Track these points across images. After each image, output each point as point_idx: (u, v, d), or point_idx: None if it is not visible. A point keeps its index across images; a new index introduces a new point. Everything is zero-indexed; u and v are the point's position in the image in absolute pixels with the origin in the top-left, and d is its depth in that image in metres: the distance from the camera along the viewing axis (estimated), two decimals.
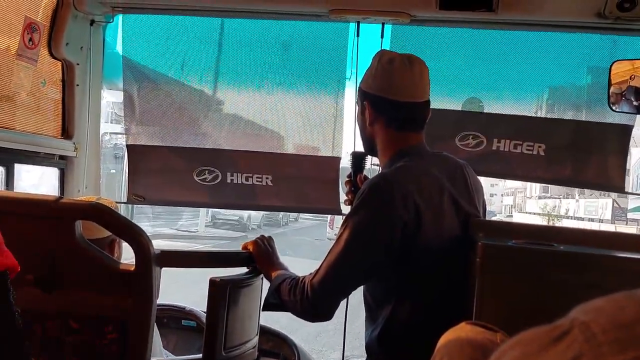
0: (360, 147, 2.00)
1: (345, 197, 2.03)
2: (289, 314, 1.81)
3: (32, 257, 1.55)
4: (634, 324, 0.45)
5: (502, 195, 67.92)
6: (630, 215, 30.49)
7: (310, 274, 1.74)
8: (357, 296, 1.87)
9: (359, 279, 1.76)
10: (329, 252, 1.73)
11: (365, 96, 1.84)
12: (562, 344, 0.47)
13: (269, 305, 1.85)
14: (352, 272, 1.72)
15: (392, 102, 1.78)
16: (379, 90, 1.80)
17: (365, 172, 2.03)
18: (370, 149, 1.91)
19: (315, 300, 1.70)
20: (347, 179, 2.02)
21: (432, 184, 1.74)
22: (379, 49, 2.52)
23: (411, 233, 1.66)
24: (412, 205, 1.66)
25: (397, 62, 1.78)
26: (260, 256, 1.92)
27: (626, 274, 1.48)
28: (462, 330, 1.00)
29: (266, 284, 1.91)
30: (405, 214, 1.65)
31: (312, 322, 1.83)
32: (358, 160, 2.02)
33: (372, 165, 2.15)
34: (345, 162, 2.81)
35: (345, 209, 2.45)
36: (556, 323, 0.50)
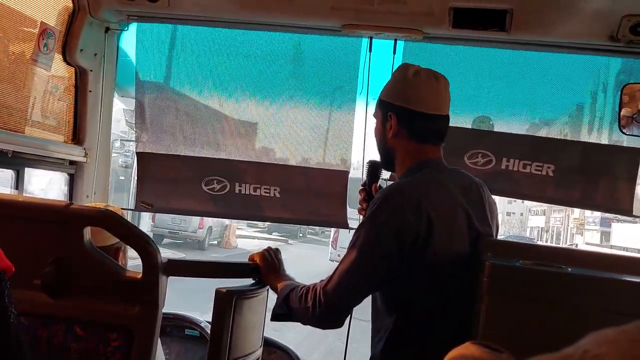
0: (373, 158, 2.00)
1: (359, 206, 2.02)
2: (295, 328, 1.81)
3: (40, 262, 1.56)
4: None
5: (521, 214, 52.69)
6: None
7: (322, 281, 1.75)
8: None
9: (372, 286, 1.77)
10: (342, 260, 1.74)
11: (389, 107, 1.84)
12: None
13: (276, 316, 1.85)
14: (365, 279, 1.73)
15: (418, 113, 1.79)
16: (405, 102, 1.80)
17: (380, 182, 2.02)
18: (388, 162, 1.91)
19: (327, 306, 1.71)
20: (362, 188, 2.02)
21: (446, 197, 1.75)
22: (391, 65, 2.56)
23: (421, 243, 1.66)
24: (424, 215, 1.66)
25: (423, 75, 1.80)
26: (266, 268, 1.92)
27: (635, 299, 1.47)
28: (466, 350, 0.99)
29: (272, 296, 1.91)
30: (416, 222, 1.66)
31: (323, 328, 1.83)
32: (374, 169, 2.01)
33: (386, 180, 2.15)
34: (353, 174, 2.81)
35: (352, 223, 2.45)
36: (566, 351, 0.49)
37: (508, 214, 52.68)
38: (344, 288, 1.71)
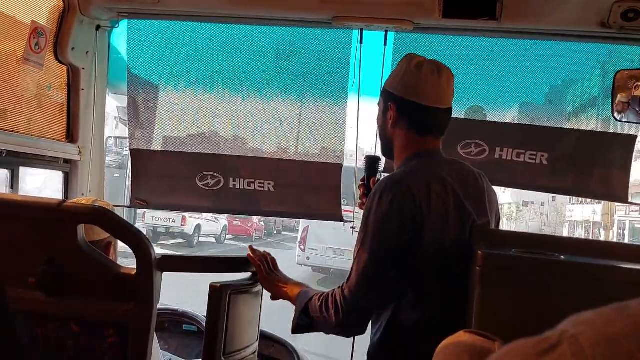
0: (362, 153, 2.01)
1: (360, 201, 2.02)
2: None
3: (35, 260, 1.56)
4: (622, 338, 0.45)
5: (542, 203, 37.41)
6: None
7: (339, 287, 1.73)
8: None
9: (386, 278, 1.73)
10: (355, 260, 1.72)
11: (390, 98, 1.84)
12: (551, 358, 0.47)
13: (298, 327, 1.83)
14: (383, 273, 1.70)
15: (418, 105, 1.79)
16: (406, 94, 1.80)
17: (379, 176, 2.03)
18: (388, 150, 1.91)
19: (350, 309, 1.69)
20: (361, 183, 2.03)
21: (439, 187, 1.74)
22: (382, 56, 2.55)
23: (419, 232, 1.67)
24: (420, 203, 1.67)
25: (425, 67, 1.80)
26: (266, 282, 1.91)
27: (628, 286, 1.47)
28: (459, 338, 1.00)
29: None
30: (413, 210, 1.66)
31: (348, 336, 1.81)
32: (372, 163, 2.03)
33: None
34: (347, 163, 2.82)
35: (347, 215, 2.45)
36: (545, 335, 0.50)
37: (525, 203, 38.77)
38: (364, 287, 1.69)
